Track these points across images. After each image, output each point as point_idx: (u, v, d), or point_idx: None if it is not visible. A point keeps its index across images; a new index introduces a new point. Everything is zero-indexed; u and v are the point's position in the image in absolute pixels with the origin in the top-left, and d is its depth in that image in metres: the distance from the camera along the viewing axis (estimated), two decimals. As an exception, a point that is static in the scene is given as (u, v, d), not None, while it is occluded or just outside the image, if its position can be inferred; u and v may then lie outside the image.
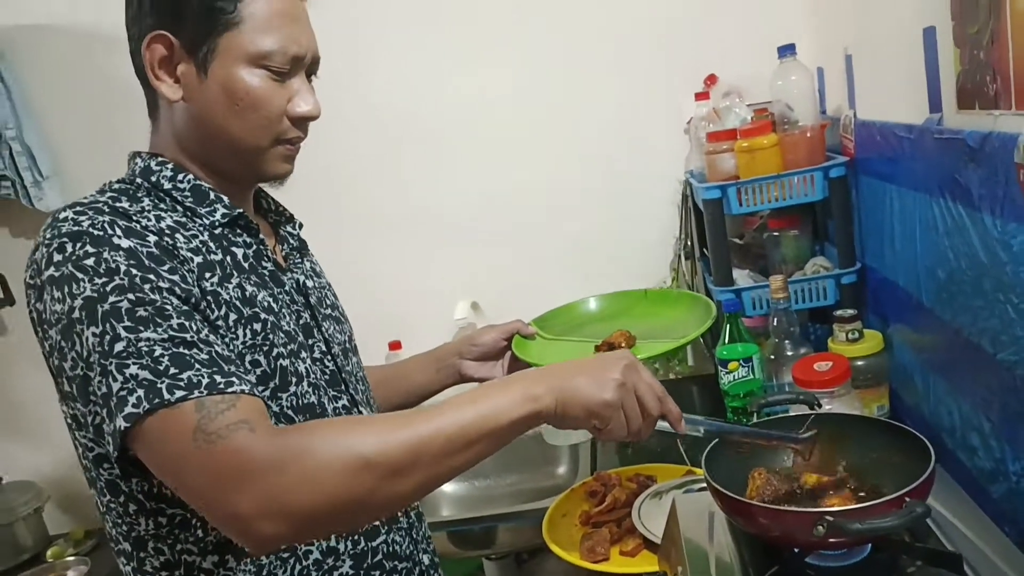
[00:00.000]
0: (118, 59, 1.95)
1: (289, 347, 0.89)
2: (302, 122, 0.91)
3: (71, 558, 1.90)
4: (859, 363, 1.35)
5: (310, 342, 0.95)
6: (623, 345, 1.15)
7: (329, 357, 0.97)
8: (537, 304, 1.95)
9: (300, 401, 0.89)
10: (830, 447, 0.96)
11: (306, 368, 0.91)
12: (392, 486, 0.74)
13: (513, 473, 1.94)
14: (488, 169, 1.97)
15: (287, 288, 0.95)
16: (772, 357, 1.45)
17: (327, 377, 0.96)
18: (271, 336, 0.87)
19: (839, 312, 1.39)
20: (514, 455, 1.89)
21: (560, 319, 1.33)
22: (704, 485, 1.25)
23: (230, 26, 0.84)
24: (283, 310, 0.91)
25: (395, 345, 1.94)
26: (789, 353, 1.42)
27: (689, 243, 1.84)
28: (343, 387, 0.98)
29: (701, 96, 1.77)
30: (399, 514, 1.01)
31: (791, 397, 1.02)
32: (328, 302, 1.04)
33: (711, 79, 1.81)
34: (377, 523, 0.97)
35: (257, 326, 0.86)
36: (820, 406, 1.00)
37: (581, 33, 1.89)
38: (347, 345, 1.04)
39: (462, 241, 2.01)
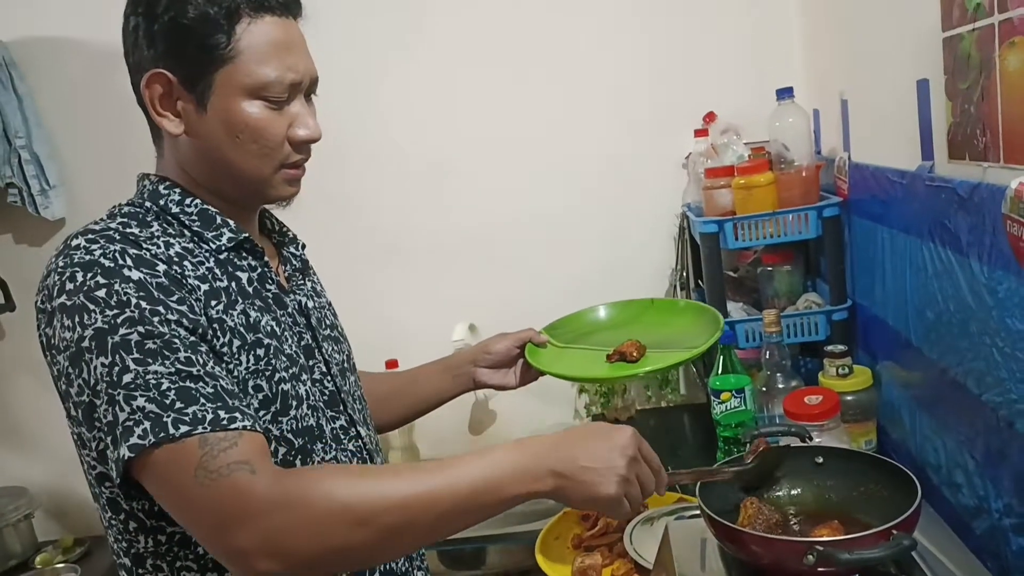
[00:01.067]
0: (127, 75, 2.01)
1: (291, 371, 0.91)
2: (303, 145, 0.92)
3: (60, 565, 1.90)
4: (848, 398, 1.39)
5: (310, 363, 0.96)
6: (634, 355, 1.17)
7: (328, 378, 0.99)
8: (535, 326, 1.99)
9: (300, 424, 0.90)
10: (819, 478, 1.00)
11: (306, 390, 0.93)
12: (386, 543, 0.78)
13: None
14: (489, 197, 2.01)
15: (289, 310, 0.96)
16: (764, 389, 1.48)
17: (326, 398, 0.97)
18: (273, 361, 0.88)
19: (830, 347, 1.43)
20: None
21: (570, 327, 1.35)
22: (695, 512, 1.30)
23: (226, 61, 0.85)
24: (285, 333, 0.93)
25: (392, 364, 1.96)
26: (780, 385, 1.46)
27: (684, 274, 1.88)
28: (341, 407, 1.00)
29: (700, 133, 1.82)
30: None
31: (783, 429, 1.05)
32: (328, 322, 1.05)
33: (710, 116, 1.86)
34: None
35: (260, 351, 0.87)
36: (811, 439, 1.04)
37: (584, 67, 1.94)
38: (345, 365, 1.05)
39: (462, 266, 2.04)
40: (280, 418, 0.89)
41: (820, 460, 1.01)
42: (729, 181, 1.61)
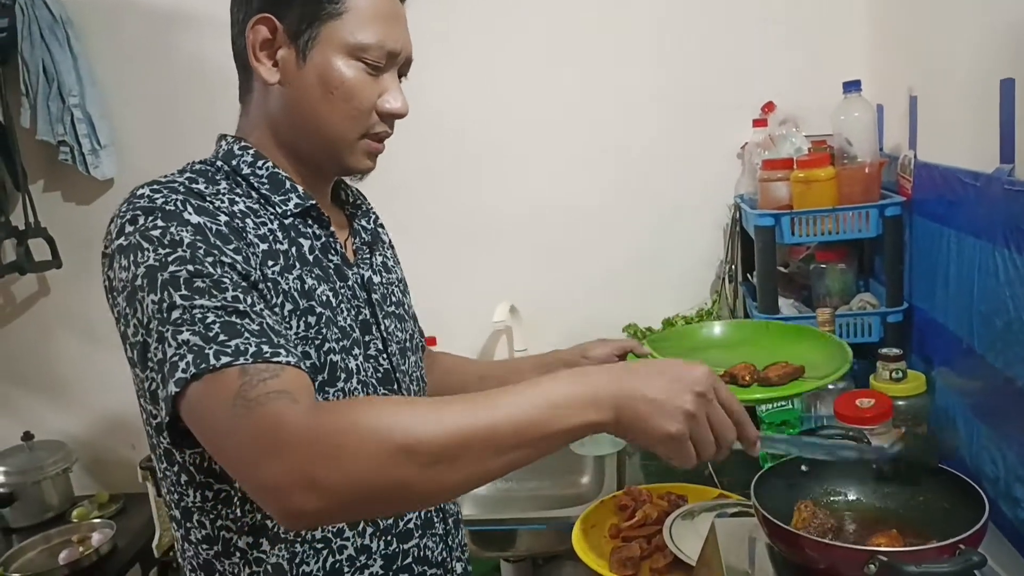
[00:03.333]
0: (184, 38, 2.02)
1: (342, 343, 0.90)
2: (390, 118, 0.93)
3: (96, 520, 1.93)
4: (900, 403, 1.35)
5: (366, 339, 0.95)
6: (746, 379, 1.10)
7: (385, 355, 0.97)
8: (575, 313, 1.99)
9: (347, 397, 0.89)
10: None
11: (357, 365, 0.92)
12: (434, 476, 0.69)
13: (535, 478, 1.95)
14: (537, 179, 1.98)
15: (350, 283, 0.95)
16: (812, 389, 1.45)
17: (379, 375, 0.96)
18: (324, 331, 0.88)
19: (884, 350, 1.39)
20: (538, 460, 1.90)
21: (676, 342, 1.30)
22: (738, 509, 1.28)
23: (333, 16, 0.87)
24: (342, 305, 0.92)
25: (430, 341, 1.96)
26: (831, 387, 1.43)
27: (733, 267, 1.85)
28: (396, 386, 0.98)
29: (759, 123, 1.78)
30: (435, 519, 1.01)
31: (840, 433, 1.02)
32: (394, 299, 1.04)
33: (769, 106, 1.82)
34: (412, 526, 0.96)
35: (311, 319, 0.87)
36: (869, 443, 1.01)
37: (638, 51, 1.90)
38: (407, 344, 1.04)
39: (506, 247, 2.02)
40: (327, 388, 0.88)
41: (875, 465, 0.98)
42: (787, 174, 1.57)
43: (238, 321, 0.74)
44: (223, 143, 0.94)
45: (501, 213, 2.01)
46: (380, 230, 1.09)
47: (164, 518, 1.83)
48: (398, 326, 1.02)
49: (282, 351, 0.74)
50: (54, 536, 1.89)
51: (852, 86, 1.51)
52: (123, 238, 0.79)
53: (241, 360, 0.72)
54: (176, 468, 0.86)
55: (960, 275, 1.24)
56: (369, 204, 1.07)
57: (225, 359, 0.72)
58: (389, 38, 0.90)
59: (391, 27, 0.90)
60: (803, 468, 0.99)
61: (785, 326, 1.47)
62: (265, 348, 0.73)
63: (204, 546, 0.88)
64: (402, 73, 0.96)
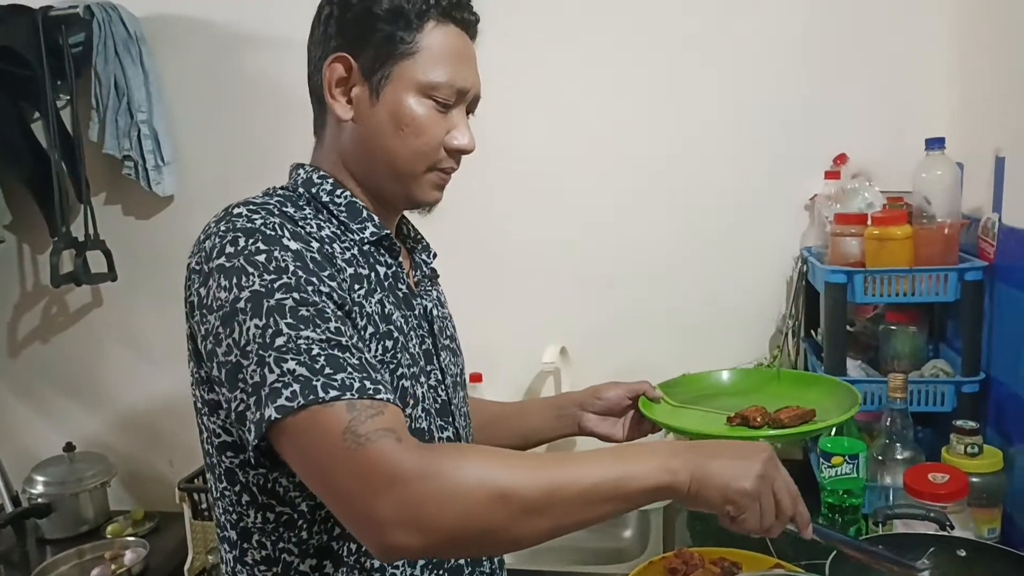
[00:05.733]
0: (251, 59, 2.03)
1: (412, 369, 0.92)
2: (457, 154, 0.96)
3: (130, 538, 1.91)
4: (974, 480, 1.27)
5: (428, 369, 0.97)
6: (758, 420, 1.10)
7: (442, 387, 0.99)
8: (627, 359, 1.93)
9: (413, 424, 0.91)
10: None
11: (422, 393, 0.94)
12: (524, 523, 0.74)
13: (576, 528, 1.89)
14: (595, 218, 1.94)
15: (416, 313, 0.97)
16: (879, 457, 1.38)
17: (438, 406, 0.97)
18: (399, 355, 0.90)
19: (960, 422, 1.32)
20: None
21: (687, 388, 1.29)
22: (796, 583, 1.21)
23: (406, 55, 0.90)
24: (411, 332, 0.94)
25: (476, 377, 1.92)
26: (899, 456, 1.36)
27: (796, 323, 1.78)
28: (451, 418, 1.00)
29: (831, 175, 1.72)
30: (483, 559, 1.01)
31: (920, 512, 0.96)
32: (448, 333, 1.06)
33: (841, 158, 1.76)
34: (463, 561, 0.97)
35: (389, 343, 0.89)
36: (952, 528, 0.94)
37: (708, 91, 1.86)
38: (459, 378, 1.06)
39: (557, 283, 1.98)
40: None
41: (963, 553, 0.91)
42: (860, 229, 1.51)
43: (340, 355, 0.77)
44: (301, 171, 0.96)
45: (554, 249, 1.97)
46: (434, 265, 1.10)
47: (199, 541, 1.80)
48: (452, 360, 1.05)
49: (382, 388, 0.77)
50: (87, 551, 1.87)
51: (936, 143, 1.46)
52: (224, 258, 0.80)
53: (348, 395, 0.74)
54: (238, 488, 0.87)
55: (1050, 350, 1.17)
56: (428, 241, 1.09)
57: (333, 392, 0.74)
58: (458, 77, 0.92)
59: (460, 66, 0.93)
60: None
61: (796, 374, 1.47)
62: (368, 385, 0.76)
63: (262, 567, 0.88)
64: (470, 110, 0.98)
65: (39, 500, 1.95)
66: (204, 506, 1.81)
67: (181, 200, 2.10)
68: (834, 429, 1.40)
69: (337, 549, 0.87)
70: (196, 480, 1.86)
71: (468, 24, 0.94)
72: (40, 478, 1.98)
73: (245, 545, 0.89)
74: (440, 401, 0.98)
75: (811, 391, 1.22)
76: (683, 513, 1.66)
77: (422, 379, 0.94)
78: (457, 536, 0.72)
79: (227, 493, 0.88)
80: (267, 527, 0.87)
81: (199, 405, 0.88)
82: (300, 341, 0.76)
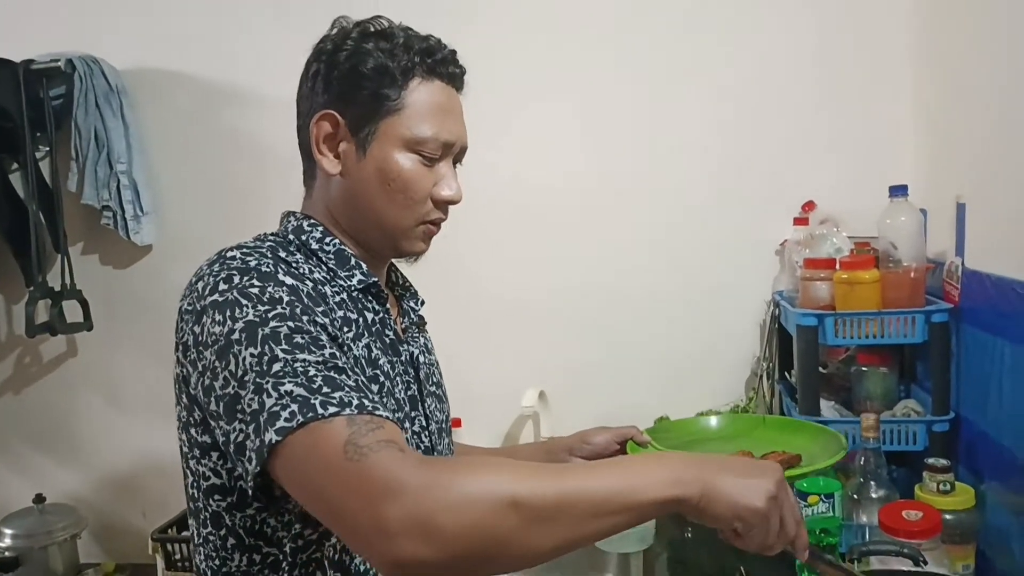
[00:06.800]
0: (230, 112, 2.06)
1: (397, 415, 0.93)
2: (444, 205, 0.98)
3: (101, 593, 1.87)
4: (948, 517, 1.29)
5: (413, 414, 0.98)
6: None
7: (427, 433, 1.00)
8: (605, 403, 1.95)
9: None
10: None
11: (406, 439, 0.92)
12: (535, 533, 0.71)
13: (556, 571, 1.88)
14: (570, 263, 1.98)
15: (402, 359, 0.98)
16: (855, 496, 1.39)
17: (421, 451, 0.98)
18: (384, 400, 0.91)
19: (932, 460, 1.34)
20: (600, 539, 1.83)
21: (674, 433, 1.31)
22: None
23: (392, 112, 0.92)
24: (397, 378, 0.96)
25: (455, 422, 1.92)
26: (873, 495, 1.37)
27: (770, 365, 1.81)
28: None
29: (800, 221, 1.77)
30: None
31: (894, 548, 0.97)
32: (434, 379, 1.07)
33: (809, 205, 1.81)
34: None
35: (375, 387, 0.89)
36: (926, 563, 0.95)
37: (680, 138, 1.91)
38: (443, 424, 1.07)
39: (536, 330, 2.01)
40: None
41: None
42: (829, 274, 1.55)
43: (337, 376, 0.77)
44: (292, 219, 0.98)
45: (532, 295, 2.00)
46: (422, 313, 1.11)
47: (172, 594, 1.77)
48: (437, 406, 1.05)
49: (379, 407, 0.77)
50: (57, 606, 1.83)
51: (899, 190, 1.51)
52: (218, 295, 0.81)
53: (347, 411, 0.73)
54: (223, 531, 0.87)
55: (1016, 389, 1.20)
56: (415, 289, 1.10)
57: (332, 408, 0.73)
58: (444, 131, 0.94)
59: (446, 120, 0.94)
60: None
61: (782, 420, 1.48)
62: (366, 402, 0.76)
63: None
64: (457, 160, 1.00)
65: (7, 553, 1.91)
66: (178, 557, 1.78)
67: (159, 250, 2.11)
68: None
69: None
70: (170, 531, 1.84)
71: (454, 78, 0.96)
72: (8, 531, 1.94)
73: None
74: (424, 447, 0.99)
75: (797, 436, 1.24)
76: (663, 556, 1.66)
77: (406, 424, 0.95)
78: (469, 546, 0.69)
79: (211, 538, 0.88)
80: (252, 570, 0.87)
81: (186, 449, 0.88)
82: (296, 364, 0.76)
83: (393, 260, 1.04)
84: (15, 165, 2.06)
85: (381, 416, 0.75)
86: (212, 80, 2.06)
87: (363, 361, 0.89)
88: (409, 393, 0.98)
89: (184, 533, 1.87)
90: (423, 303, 1.09)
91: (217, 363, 0.79)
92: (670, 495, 0.76)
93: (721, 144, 1.89)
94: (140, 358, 2.12)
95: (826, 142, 1.84)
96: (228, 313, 0.79)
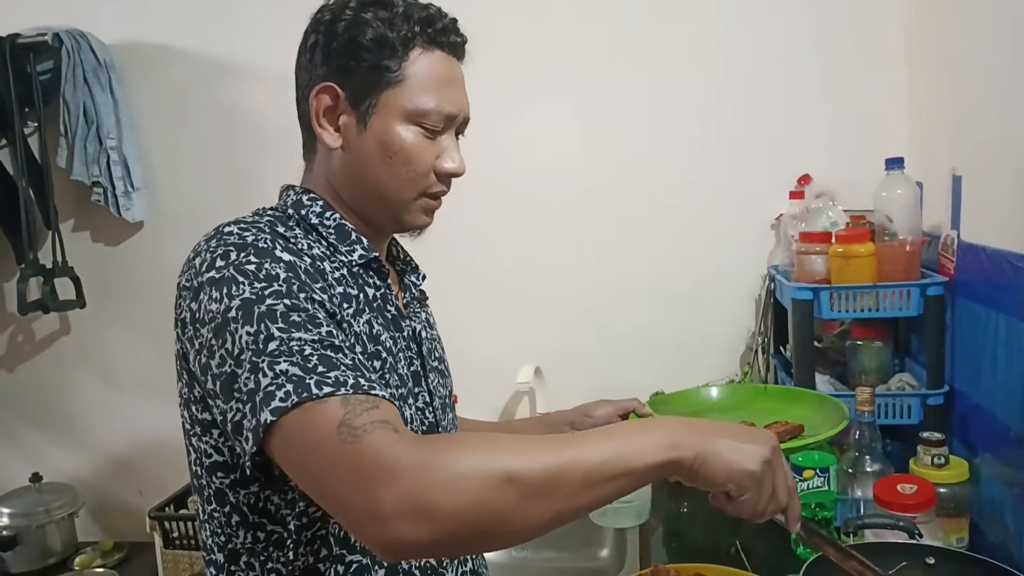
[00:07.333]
0: (222, 87, 2.04)
1: (400, 390, 0.92)
2: (447, 178, 0.96)
3: (99, 569, 1.88)
4: (942, 490, 1.30)
5: (416, 390, 0.97)
6: None
7: (430, 409, 0.99)
8: (600, 378, 1.94)
9: None
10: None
11: (410, 415, 0.94)
12: (532, 506, 0.70)
13: (552, 549, 1.89)
14: (568, 240, 1.97)
15: (404, 334, 0.97)
16: (849, 470, 1.40)
17: (425, 428, 0.97)
18: (387, 376, 0.90)
19: (926, 434, 1.34)
20: (556, 530, 1.84)
21: (676, 404, 1.32)
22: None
23: (393, 84, 0.90)
24: (400, 354, 0.94)
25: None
26: (868, 469, 1.38)
27: (765, 340, 1.81)
28: None
29: (796, 195, 1.77)
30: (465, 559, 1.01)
31: (890, 522, 0.98)
32: (437, 354, 1.06)
33: (805, 179, 1.80)
34: (447, 561, 0.97)
35: (377, 364, 0.89)
36: (921, 536, 0.96)
37: (675, 116, 1.90)
38: (447, 400, 1.06)
39: (533, 306, 2.00)
40: None
41: (931, 561, 0.93)
42: (825, 248, 1.55)
43: (333, 355, 0.76)
44: (291, 193, 0.96)
45: (529, 272, 1.99)
46: (423, 288, 1.10)
47: (170, 570, 1.77)
48: (440, 381, 1.05)
49: (376, 385, 0.76)
50: (55, 584, 1.84)
51: (895, 163, 1.50)
52: (214, 271, 0.80)
53: (342, 391, 0.73)
54: (227, 508, 0.86)
55: (1011, 361, 1.20)
56: (416, 263, 1.09)
57: (327, 389, 0.72)
58: (447, 102, 0.92)
59: (448, 92, 0.93)
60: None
61: (783, 389, 1.48)
62: (362, 381, 0.74)
63: None
64: (459, 132, 0.98)
65: (4, 532, 1.91)
66: (176, 534, 1.79)
67: (151, 226, 2.09)
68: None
69: (324, 571, 0.87)
70: (167, 508, 1.84)
71: (455, 47, 0.94)
72: (5, 510, 1.95)
73: (232, 567, 0.88)
74: (428, 423, 0.98)
75: (797, 406, 1.25)
76: (659, 530, 1.67)
77: (410, 400, 0.94)
78: (465, 524, 0.69)
79: (216, 515, 0.87)
80: (256, 547, 0.86)
81: (188, 426, 0.88)
82: (292, 343, 0.75)
83: (396, 234, 1.03)
84: (3, 141, 2.04)
85: (377, 395, 0.74)
86: (203, 53, 2.03)
87: (364, 337, 0.88)
88: (412, 369, 0.97)
89: (182, 511, 1.87)
90: (424, 278, 1.08)
91: (214, 341, 0.78)
92: (664, 458, 0.75)
93: (717, 120, 1.88)
94: (134, 335, 2.11)
95: (822, 116, 1.83)
96: (225, 290, 0.78)
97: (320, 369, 0.74)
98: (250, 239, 0.82)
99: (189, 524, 1.78)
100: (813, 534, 0.89)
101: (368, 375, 0.77)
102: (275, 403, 0.72)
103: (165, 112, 2.06)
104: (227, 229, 0.84)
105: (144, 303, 2.06)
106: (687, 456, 0.76)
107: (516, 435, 0.79)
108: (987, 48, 1.36)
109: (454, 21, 0.94)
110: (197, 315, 0.80)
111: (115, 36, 2.02)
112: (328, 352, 0.76)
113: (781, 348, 1.80)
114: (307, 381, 0.73)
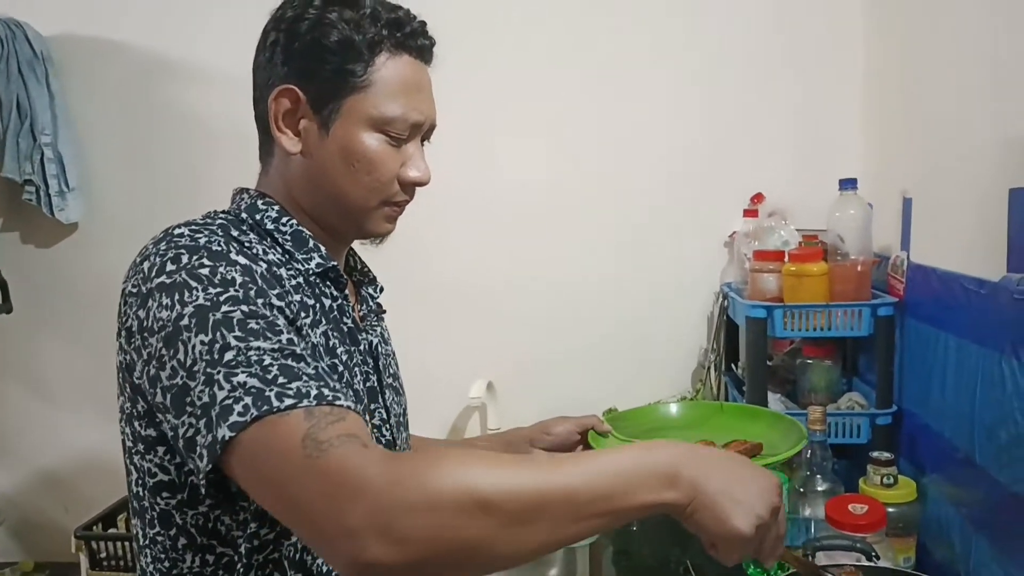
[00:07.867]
0: (163, 86, 1.96)
1: (357, 407, 0.86)
2: (411, 186, 0.92)
3: (19, 592, 1.77)
4: (891, 510, 1.31)
5: (372, 407, 0.93)
6: None
7: (387, 426, 0.96)
8: (553, 394, 1.92)
9: None
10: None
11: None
12: (510, 536, 0.66)
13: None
14: (520, 254, 1.94)
15: (361, 348, 0.93)
16: (800, 489, 1.40)
17: (382, 446, 0.92)
18: (344, 391, 0.84)
19: (876, 454, 1.35)
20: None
21: (634, 420, 1.30)
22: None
23: (358, 89, 0.86)
24: (356, 368, 0.91)
25: (399, 414, 1.87)
26: (819, 488, 1.38)
27: (717, 357, 1.81)
28: None
29: (750, 213, 1.78)
30: None
31: (848, 544, 0.97)
32: (391, 371, 1.02)
33: (758, 197, 1.82)
34: None
35: (335, 377, 0.84)
36: (878, 558, 0.96)
37: (629, 131, 1.89)
38: (402, 418, 1.03)
39: (485, 320, 1.97)
40: None
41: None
42: (778, 266, 1.56)
43: (295, 364, 0.71)
44: (245, 197, 0.92)
45: (481, 285, 1.96)
46: (380, 301, 1.06)
47: (96, 593, 1.68)
48: (395, 399, 1.01)
49: (340, 395, 0.71)
50: (-30, 607, 1.72)
51: (848, 184, 1.52)
52: (165, 276, 0.75)
53: (305, 402, 0.68)
54: (173, 531, 0.81)
55: (959, 383, 1.22)
56: (374, 274, 1.05)
57: (289, 400, 0.68)
58: (413, 110, 0.89)
59: (415, 98, 0.89)
60: None
61: (741, 407, 1.47)
62: (326, 392, 0.70)
63: None
64: (425, 138, 0.94)
65: (-85, 552, 1.79)
66: (103, 555, 1.69)
67: (87, 229, 2.00)
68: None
69: None
70: (95, 527, 1.75)
71: (423, 51, 0.91)
72: (-83, 528, 1.82)
73: None
74: (384, 441, 0.94)
75: (755, 424, 1.24)
76: (609, 549, 1.65)
77: (366, 418, 0.89)
78: (435, 549, 0.64)
79: (159, 538, 0.82)
80: (205, 571, 0.81)
81: (130, 443, 0.82)
82: (251, 353, 0.70)
83: (358, 242, 0.99)
84: (-72, 135, 1.92)
85: (342, 406, 0.70)
86: (148, 49, 1.95)
87: (320, 349, 0.84)
88: (368, 384, 0.93)
89: (111, 530, 1.78)
90: (382, 290, 1.04)
91: (164, 351, 0.73)
92: (660, 500, 0.71)
93: (670, 136, 1.88)
94: (64, 344, 2.01)
95: (776, 135, 1.85)
96: (176, 296, 0.73)
97: (281, 380, 0.69)
98: (203, 241, 0.78)
99: (119, 544, 1.69)
100: (790, 556, 0.88)
101: (332, 384, 0.73)
102: (233, 418, 0.67)
103: (105, 109, 1.97)
104: (177, 231, 0.79)
105: (78, 310, 1.96)
106: (682, 499, 0.71)
107: (500, 455, 0.74)
108: (939, 74, 1.39)
109: (423, 24, 0.91)
110: (145, 323, 0.75)
111: (53, 28, 1.93)
112: (289, 361, 0.71)
113: (733, 366, 1.80)
114: (267, 393, 0.68)
